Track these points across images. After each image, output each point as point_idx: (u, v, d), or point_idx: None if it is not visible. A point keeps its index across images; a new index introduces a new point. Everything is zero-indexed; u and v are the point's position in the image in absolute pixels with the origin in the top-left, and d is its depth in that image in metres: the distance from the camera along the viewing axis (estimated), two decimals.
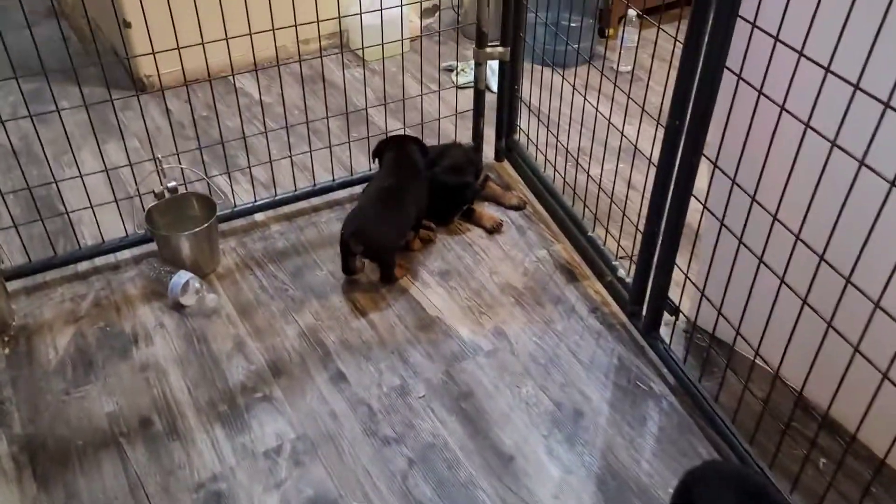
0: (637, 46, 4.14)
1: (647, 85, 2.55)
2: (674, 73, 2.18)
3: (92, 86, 3.72)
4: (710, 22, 1.95)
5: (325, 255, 3.05)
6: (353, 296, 2.87)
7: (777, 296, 1.96)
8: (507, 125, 3.41)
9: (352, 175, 3.31)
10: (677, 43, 2.17)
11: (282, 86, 3.31)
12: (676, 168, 2.23)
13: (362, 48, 4.18)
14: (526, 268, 3.01)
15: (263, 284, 2.91)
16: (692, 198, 2.25)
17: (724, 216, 2.10)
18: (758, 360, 2.13)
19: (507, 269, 3.01)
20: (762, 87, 1.88)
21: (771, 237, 1.94)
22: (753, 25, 1.88)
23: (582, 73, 3.15)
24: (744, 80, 1.95)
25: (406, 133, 3.24)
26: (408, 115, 3.59)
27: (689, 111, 2.12)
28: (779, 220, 1.91)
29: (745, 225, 2.04)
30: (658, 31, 2.35)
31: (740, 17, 1.92)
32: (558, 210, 3.14)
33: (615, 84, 2.70)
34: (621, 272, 2.75)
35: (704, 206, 2.22)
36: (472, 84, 3.40)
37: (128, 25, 3.74)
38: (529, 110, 3.36)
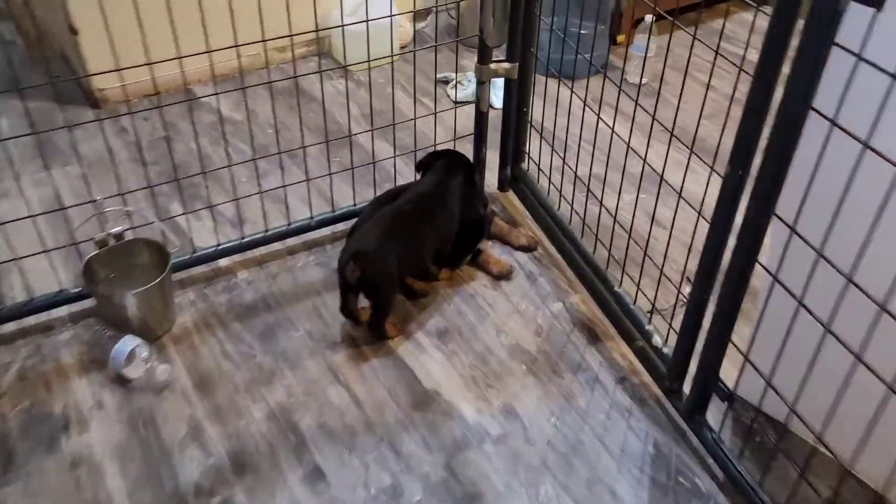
0: (645, 55, 3.70)
1: (676, 105, 2.08)
2: (695, 86, 1.71)
3: (38, 100, 3.24)
4: (800, 50, 1.49)
5: (301, 309, 2.57)
6: (335, 362, 2.40)
7: (850, 376, 1.53)
8: (513, 152, 2.94)
9: (333, 210, 2.83)
10: (698, 52, 1.72)
11: (247, 104, 2.81)
12: (735, 224, 1.78)
13: (345, 60, 3.71)
14: (539, 325, 2.55)
15: (227, 349, 2.43)
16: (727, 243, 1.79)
17: (778, 270, 1.68)
18: (829, 453, 1.70)
19: (517, 326, 2.54)
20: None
21: (841, 303, 1.52)
22: (858, 57, 1.42)
23: (593, 86, 2.68)
24: (839, 126, 1.50)
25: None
26: (398, 136, 3.12)
27: (761, 160, 1.67)
28: (854, 283, 1.48)
29: (806, 284, 1.61)
30: (670, 37, 1.91)
31: (836, 44, 1.46)
32: (574, 254, 2.68)
33: (636, 102, 2.24)
34: (657, 339, 2.29)
35: (763, 266, 1.79)
36: (473, 99, 2.93)
37: (74, 32, 3.23)
38: (540, 135, 2.89)
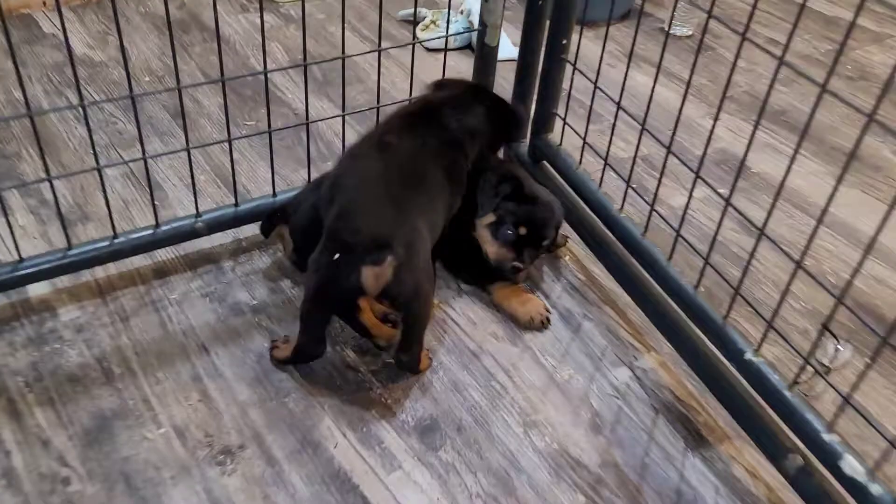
0: None
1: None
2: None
3: None
4: None
5: (172, 385, 1.41)
6: (227, 489, 1.25)
7: None
8: (536, 117, 1.82)
9: (237, 204, 1.66)
10: None
11: (121, 38, 1.64)
12: None
13: None
14: (595, 412, 1.45)
15: (15, 469, 1.26)
16: None
17: None
18: None
19: (558, 415, 1.44)
20: None
21: None
22: None
23: (619, 35, 1.62)
24: None
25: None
26: (347, 94, 1.98)
27: None
28: None
29: None
30: None
31: None
32: (645, 283, 1.58)
33: (692, 66, 1.15)
34: (851, 465, 1.20)
35: None
36: (457, 45, 1.84)
37: None
38: (568, 101, 1.77)
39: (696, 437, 1.43)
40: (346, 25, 2.62)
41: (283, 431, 1.36)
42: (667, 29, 2.68)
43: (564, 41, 1.66)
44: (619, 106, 1.57)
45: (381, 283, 1.30)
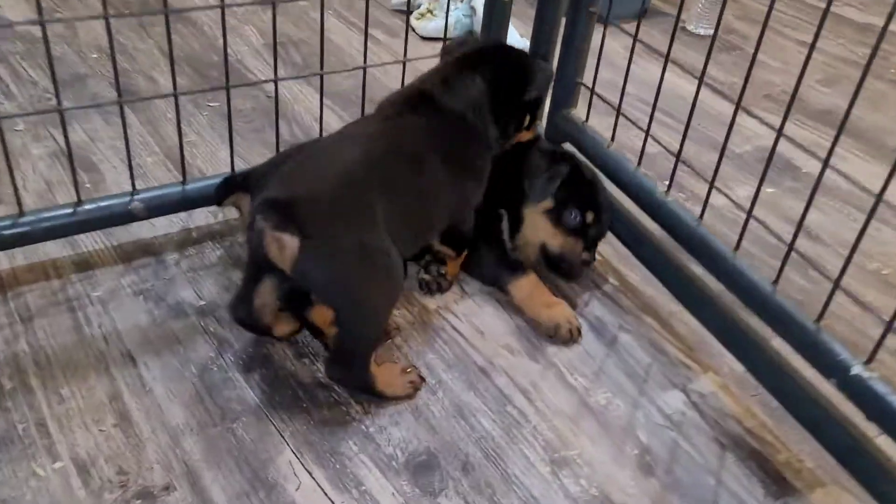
0: None
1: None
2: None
3: None
4: None
5: (80, 410, 1.05)
6: None
7: None
8: (558, 86, 1.49)
9: (184, 182, 1.32)
10: None
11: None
12: None
13: None
14: (644, 447, 1.10)
15: None
16: None
17: None
18: None
19: (598, 452, 1.09)
20: None
21: None
22: None
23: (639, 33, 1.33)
24: None
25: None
26: (333, 78, 1.67)
27: None
28: None
29: None
30: None
31: None
32: (695, 274, 1.24)
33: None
34: None
35: None
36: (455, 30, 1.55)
37: None
38: (599, 61, 1.46)
39: (777, 482, 1.07)
40: (331, 13, 2.34)
41: (229, 467, 1.00)
42: (695, 29, 2.43)
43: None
44: (656, 97, 1.25)
45: (287, 257, 0.98)
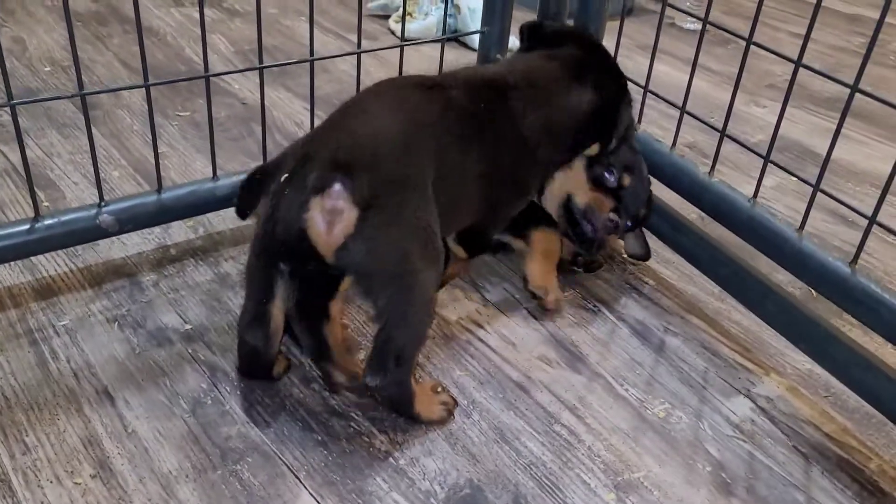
0: None
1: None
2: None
3: None
4: None
5: (49, 459, 0.87)
6: None
7: None
8: None
9: (159, 191, 1.14)
10: None
11: None
12: None
13: None
14: (717, 462, 0.95)
15: None
16: None
17: None
18: None
19: (663, 470, 0.93)
20: None
21: None
22: None
23: (627, 30, 1.22)
24: None
25: None
26: (305, 81, 1.51)
27: None
28: None
29: None
30: None
31: None
32: (749, 265, 1.10)
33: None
34: None
35: None
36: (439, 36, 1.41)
37: None
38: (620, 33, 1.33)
39: (874, 493, 0.93)
40: (304, 19, 2.19)
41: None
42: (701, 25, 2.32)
43: None
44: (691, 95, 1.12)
45: (337, 232, 0.81)
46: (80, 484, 0.85)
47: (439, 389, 0.99)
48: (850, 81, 0.94)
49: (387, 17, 2.18)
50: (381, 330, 0.88)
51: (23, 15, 1.97)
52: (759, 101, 1.90)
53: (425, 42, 1.84)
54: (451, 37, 2.00)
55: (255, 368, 0.97)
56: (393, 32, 2.11)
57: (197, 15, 2.06)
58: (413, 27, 2.07)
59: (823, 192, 1.01)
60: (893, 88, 2.06)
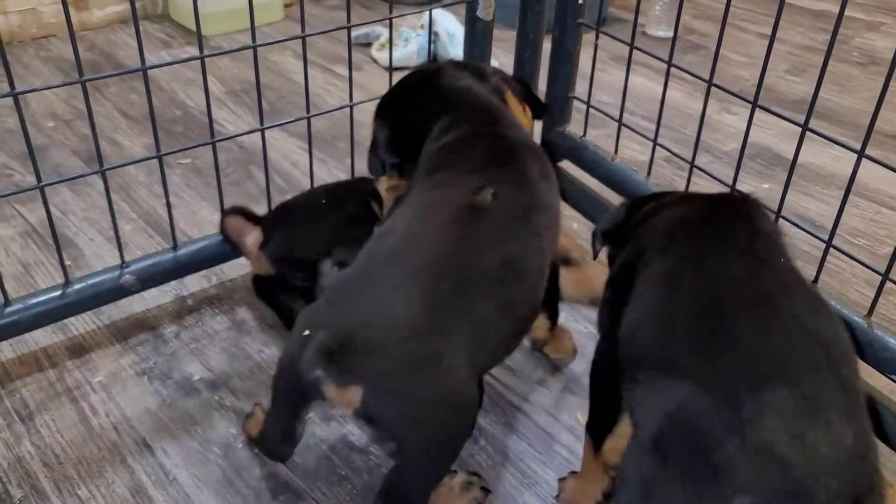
0: None
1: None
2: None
3: None
4: None
5: None
6: None
7: None
8: (549, 103, 1.45)
9: (176, 250, 1.24)
10: None
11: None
12: None
13: (197, 25, 2.18)
14: None
15: None
16: None
17: None
18: None
19: None
20: None
21: None
22: None
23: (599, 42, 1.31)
24: None
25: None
26: (312, 128, 1.60)
27: None
28: None
29: None
30: None
31: None
32: None
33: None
34: None
35: None
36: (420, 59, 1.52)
37: None
38: (592, 75, 1.42)
39: None
40: (290, 53, 2.27)
41: None
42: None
43: (581, 0, 1.31)
44: (662, 108, 1.21)
45: (350, 404, 0.82)
46: None
47: (470, 482, 1.00)
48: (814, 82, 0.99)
49: (368, 45, 2.27)
50: (397, 468, 0.89)
51: (19, 68, 2.04)
52: (730, 108, 2.00)
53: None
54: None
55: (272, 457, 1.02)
56: (376, 61, 2.20)
57: (186, 56, 2.15)
58: (395, 55, 2.16)
59: (836, 248, 1.06)
60: (858, 86, 2.16)
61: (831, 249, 1.06)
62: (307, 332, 0.84)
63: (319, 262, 1.13)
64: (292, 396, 0.90)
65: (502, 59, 2.07)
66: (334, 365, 0.80)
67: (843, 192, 1.05)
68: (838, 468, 0.68)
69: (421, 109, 1.07)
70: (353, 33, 2.30)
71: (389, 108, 1.12)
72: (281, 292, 1.20)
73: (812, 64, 2.26)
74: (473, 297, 0.86)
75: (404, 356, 0.81)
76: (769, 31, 0.99)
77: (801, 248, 1.31)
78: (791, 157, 1.12)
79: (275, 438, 0.95)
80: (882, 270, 1.00)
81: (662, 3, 2.45)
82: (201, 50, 1.15)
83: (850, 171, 1.03)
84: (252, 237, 1.20)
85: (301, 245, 1.16)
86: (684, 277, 0.83)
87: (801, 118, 1.05)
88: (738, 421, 0.69)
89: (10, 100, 1.02)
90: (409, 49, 2.17)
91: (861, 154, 0.99)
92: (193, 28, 1.59)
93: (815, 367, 0.74)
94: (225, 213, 1.25)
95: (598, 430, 0.93)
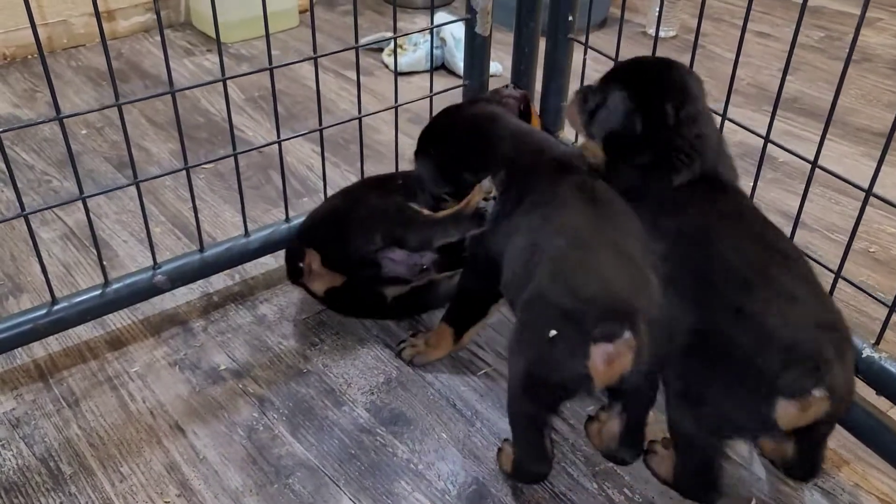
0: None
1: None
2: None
3: None
4: None
5: (142, 485, 1.10)
6: None
7: None
8: (543, 113, 1.56)
9: (202, 251, 1.37)
10: None
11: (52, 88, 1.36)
12: None
13: (216, 32, 2.30)
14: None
15: None
16: None
17: None
18: None
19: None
20: None
21: None
22: None
23: (600, 42, 1.44)
24: None
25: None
26: (310, 124, 1.72)
27: None
28: None
29: None
30: None
31: None
32: None
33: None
34: None
35: None
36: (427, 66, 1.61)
37: None
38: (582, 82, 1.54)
39: None
40: (303, 58, 2.39)
41: None
42: (655, 32, 2.50)
43: (570, 18, 1.42)
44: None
45: (616, 371, 0.90)
46: (169, 502, 1.07)
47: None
48: (809, 81, 1.09)
49: (380, 50, 2.39)
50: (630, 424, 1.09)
51: (52, 77, 2.18)
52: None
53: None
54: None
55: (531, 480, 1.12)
56: (387, 66, 2.32)
57: (208, 64, 2.28)
58: (404, 60, 2.27)
59: (845, 279, 1.14)
60: (848, 84, 2.23)
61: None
62: (553, 333, 0.91)
63: (378, 252, 1.28)
64: (542, 404, 0.99)
65: (503, 59, 2.18)
66: (611, 325, 0.89)
67: (826, 189, 1.15)
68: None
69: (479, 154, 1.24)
70: (362, 39, 2.42)
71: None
72: (359, 292, 1.34)
73: (806, 62, 2.35)
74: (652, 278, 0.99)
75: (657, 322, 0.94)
76: (766, 29, 1.08)
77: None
78: (781, 157, 1.21)
79: (532, 459, 1.05)
80: (889, 302, 1.07)
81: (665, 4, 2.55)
82: (223, 72, 1.27)
83: (838, 168, 1.12)
84: (316, 262, 1.31)
85: (356, 247, 1.29)
86: None
87: (794, 117, 1.14)
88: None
89: (46, 108, 1.14)
90: (418, 54, 2.28)
91: (815, 163, 1.09)
92: (214, 35, 1.71)
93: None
94: (290, 256, 1.36)
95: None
